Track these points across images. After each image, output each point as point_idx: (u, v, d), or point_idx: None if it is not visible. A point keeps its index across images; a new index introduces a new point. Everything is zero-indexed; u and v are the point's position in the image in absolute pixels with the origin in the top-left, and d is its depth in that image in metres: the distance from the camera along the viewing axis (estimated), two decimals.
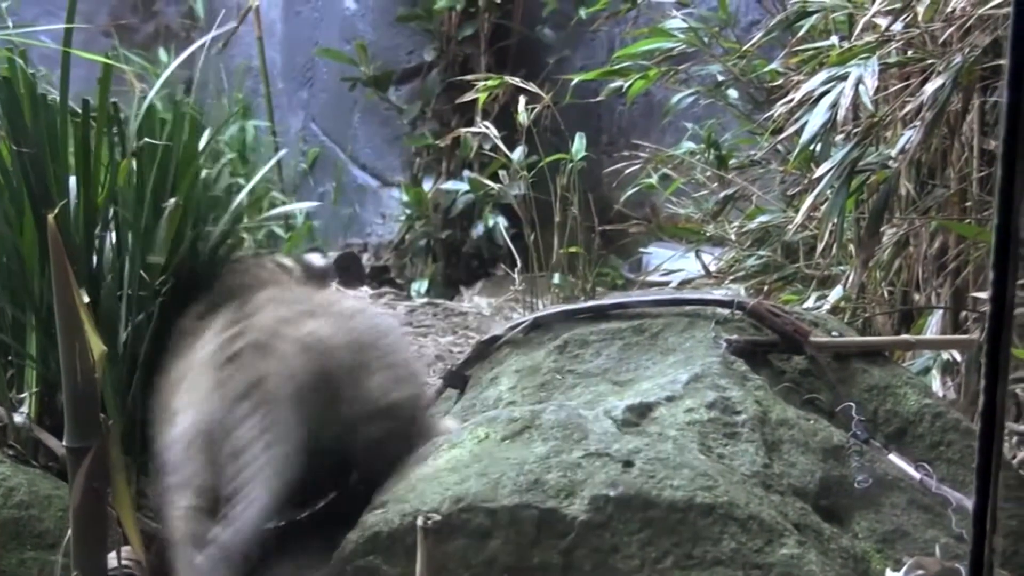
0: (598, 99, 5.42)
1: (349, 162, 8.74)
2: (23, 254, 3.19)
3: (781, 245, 4.50)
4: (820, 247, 4.13)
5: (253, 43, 9.17)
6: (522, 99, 5.16)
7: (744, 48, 4.59)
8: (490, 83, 5.22)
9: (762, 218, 4.55)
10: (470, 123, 6.75)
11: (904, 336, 3.76)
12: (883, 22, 3.64)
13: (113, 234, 3.20)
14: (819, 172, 3.60)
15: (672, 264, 5.02)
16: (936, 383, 3.63)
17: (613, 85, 4.83)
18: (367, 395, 2.75)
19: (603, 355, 3.01)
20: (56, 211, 2.91)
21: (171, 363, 2.87)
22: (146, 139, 3.15)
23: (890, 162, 3.66)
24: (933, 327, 3.79)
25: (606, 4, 5.28)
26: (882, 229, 3.88)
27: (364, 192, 8.67)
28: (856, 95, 3.45)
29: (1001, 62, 3.45)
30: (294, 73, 9.22)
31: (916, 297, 4.02)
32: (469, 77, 5.85)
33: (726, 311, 3.06)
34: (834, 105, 3.47)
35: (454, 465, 2.58)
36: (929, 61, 3.63)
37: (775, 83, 4.43)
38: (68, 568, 2.86)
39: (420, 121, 7.97)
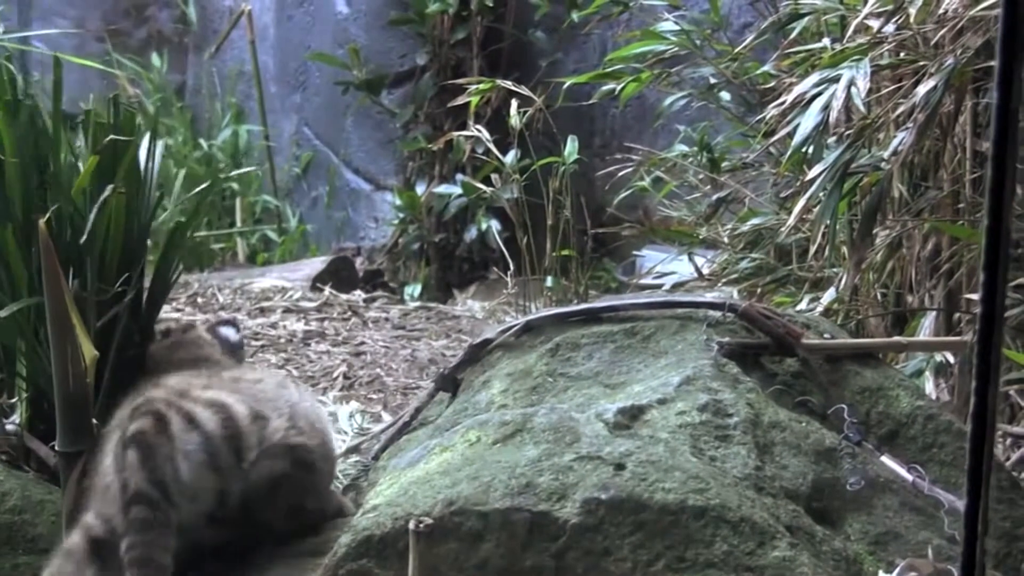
0: (590, 102, 5.42)
1: (342, 166, 8.74)
2: (8, 259, 3.18)
3: (774, 247, 4.49)
4: (813, 249, 4.13)
5: (246, 47, 9.17)
6: (514, 102, 5.16)
7: (736, 50, 4.59)
8: (482, 87, 5.21)
9: (755, 220, 4.55)
10: (463, 127, 6.76)
11: (896, 338, 3.75)
12: (875, 24, 3.64)
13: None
14: (812, 174, 3.59)
15: (665, 267, 5.01)
16: (929, 385, 3.62)
17: (605, 88, 4.83)
18: (266, 435, 2.86)
19: (595, 358, 3.01)
20: (47, 217, 2.91)
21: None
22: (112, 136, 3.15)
23: (883, 164, 3.66)
24: (926, 329, 3.79)
25: (598, 7, 5.27)
26: (875, 231, 3.88)
27: (357, 196, 8.66)
28: (848, 97, 3.45)
29: (993, 63, 3.45)
30: (287, 77, 9.22)
31: (909, 299, 4.02)
32: (461, 81, 5.84)
33: (718, 314, 3.06)
34: (826, 107, 3.47)
35: (446, 468, 2.58)
36: (921, 63, 3.63)
37: (767, 85, 4.43)
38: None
39: (413, 125, 7.97)
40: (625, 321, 3.10)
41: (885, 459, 2.81)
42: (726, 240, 4.68)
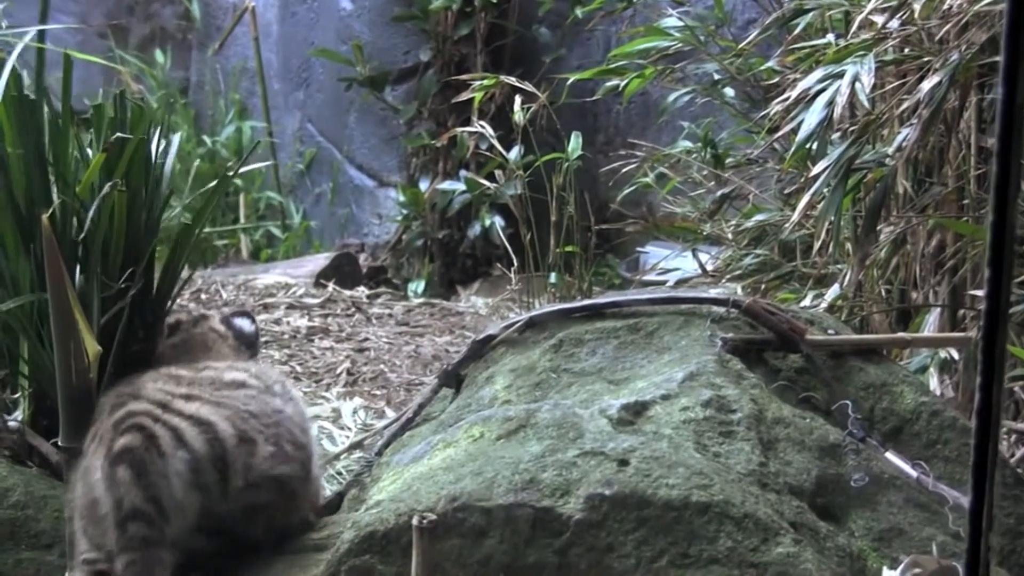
0: (594, 98, 5.42)
1: (345, 162, 8.74)
2: (8, 254, 3.18)
3: (778, 244, 4.49)
4: (817, 245, 4.13)
5: (249, 44, 9.18)
6: (518, 98, 5.15)
7: (740, 46, 4.59)
8: (486, 83, 5.21)
9: (759, 217, 4.55)
10: (466, 123, 6.73)
11: (900, 334, 3.75)
12: (880, 19, 3.63)
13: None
14: (816, 170, 3.59)
15: (669, 263, 5.01)
16: (934, 381, 3.62)
17: (609, 84, 4.82)
18: (252, 463, 2.83)
19: (598, 354, 3.00)
20: (50, 212, 2.91)
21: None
22: (118, 134, 3.15)
23: (887, 160, 3.65)
24: (931, 325, 3.78)
25: (602, 3, 5.27)
26: (879, 227, 3.87)
27: (360, 192, 8.66)
28: (853, 93, 3.44)
29: (998, 59, 3.44)
30: (290, 74, 9.22)
31: (914, 295, 4.01)
32: (465, 77, 5.84)
33: (722, 309, 3.05)
34: (830, 103, 3.47)
35: (449, 464, 2.58)
36: (926, 58, 3.62)
37: (771, 81, 4.43)
38: (64, 568, 2.85)
39: (416, 121, 7.97)
40: (629, 317, 3.10)
41: (889, 455, 2.80)
42: (730, 236, 4.67)
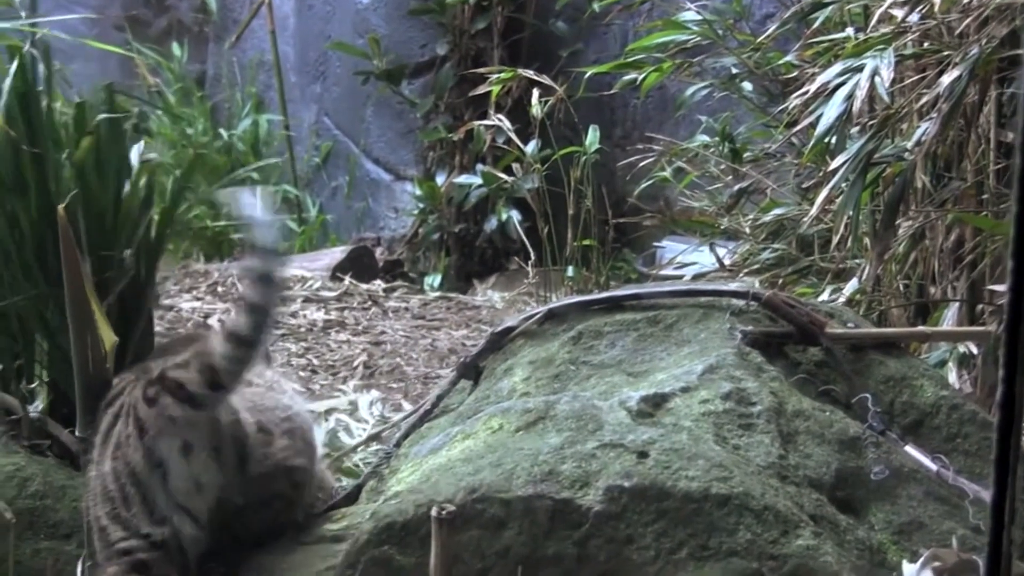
0: (612, 92, 5.42)
1: (362, 156, 8.74)
2: (25, 245, 3.19)
3: (796, 238, 4.48)
4: (835, 240, 4.12)
5: (266, 37, 9.18)
6: (535, 92, 5.16)
7: (759, 40, 4.58)
8: (503, 76, 5.22)
9: (777, 211, 4.54)
10: (483, 116, 6.76)
11: (920, 328, 3.74)
12: (899, 13, 3.62)
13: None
14: (834, 164, 3.58)
15: (686, 257, 5.01)
16: (952, 376, 3.61)
17: (627, 78, 4.82)
18: (269, 452, 2.84)
19: (618, 346, 3.00)
20: (66, 202, 2.92)
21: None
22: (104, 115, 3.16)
23: (906, 154, 3.64)
24: (949, 320, 3.78)
25: None
26: (898, 222, 3.86)
27: (377, 186, 8.67)
28: (872, 87, 3.43)
29: (1019, 52, 3.44)
30: (307, 67, 9.23)
31: (932, 290, 4.00)
32: (482, 70, 5.85)
33: (741, 302, 3.05)
34: (849, 97, 3.46)
35: (468, 456, 2.58)
36: (946, 52, 3.61)
37: (790, 75, 4.42)
38: (82, 558, 2.86)
39: (433, 115, 7.97)
40: (648, 309, 3.10)
41: (909, 449, 2.80)
42: (748, 231, 4.67)
